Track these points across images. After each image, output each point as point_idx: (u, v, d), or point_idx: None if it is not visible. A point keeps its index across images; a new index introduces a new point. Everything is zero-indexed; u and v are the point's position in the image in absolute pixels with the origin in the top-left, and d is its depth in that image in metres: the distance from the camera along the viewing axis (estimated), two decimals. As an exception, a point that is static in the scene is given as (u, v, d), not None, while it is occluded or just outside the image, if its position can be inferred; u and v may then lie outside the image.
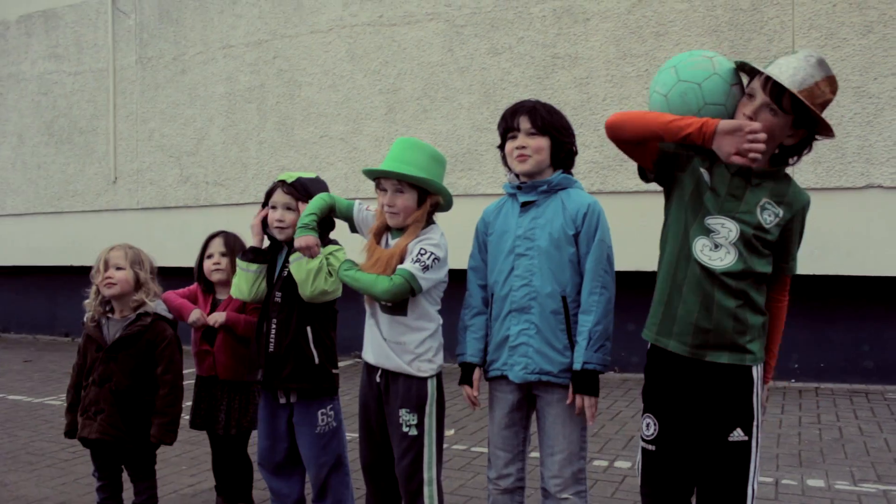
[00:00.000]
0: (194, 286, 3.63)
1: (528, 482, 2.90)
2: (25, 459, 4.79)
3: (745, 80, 2.34)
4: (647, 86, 7.27)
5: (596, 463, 4.51)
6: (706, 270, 2.27)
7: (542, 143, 2.69)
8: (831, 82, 2.19)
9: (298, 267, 3.07)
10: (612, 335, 2.66)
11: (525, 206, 2.75)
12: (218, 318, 3.45)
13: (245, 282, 3.28)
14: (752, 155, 2.09)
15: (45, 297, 11.05)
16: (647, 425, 2.45)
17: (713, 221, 2.27)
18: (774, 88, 2.16)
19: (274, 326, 3.22)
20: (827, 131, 2.25)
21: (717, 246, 2.27)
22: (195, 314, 3.48)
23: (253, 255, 3.28)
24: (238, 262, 3.31)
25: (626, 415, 5.79)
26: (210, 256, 3.56)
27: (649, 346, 2.50)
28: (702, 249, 2.28)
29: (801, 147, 2.29)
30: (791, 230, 2.32)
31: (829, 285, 6.75)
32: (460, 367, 2.86)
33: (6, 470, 4.57)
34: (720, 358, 2.30)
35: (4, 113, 11.17)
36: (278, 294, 3.24)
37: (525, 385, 2.73)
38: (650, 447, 2.43)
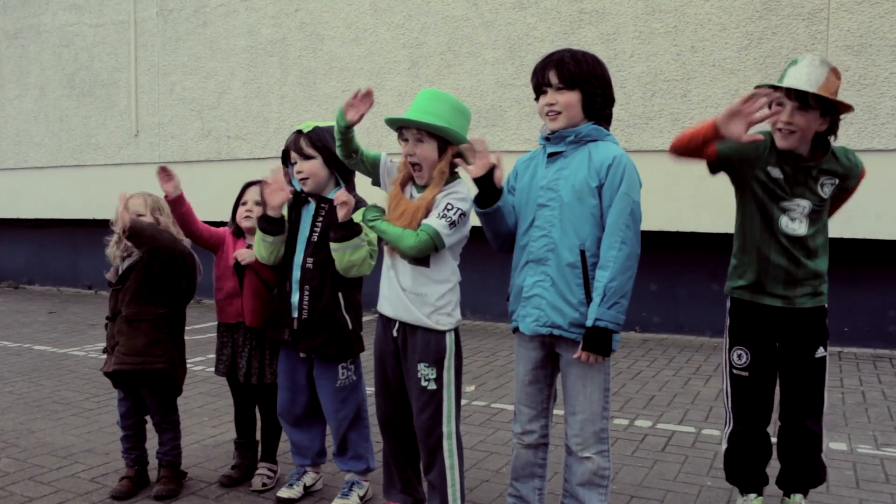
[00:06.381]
0: (222, 230, 3.60)
1: (553, 438, 2.89)
2: (51, 408, 4.86)
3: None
4: (675, 42, 7.13)
5: (617, 421, 4.51)
6: (790, 238, 2.83)
7: (572, 98, 2.60)
8: (836, 72, 2.73)
9: (341, 257, 3.05)
10: (629, 293, 2.57)
11: (552, 156, 2.69)
12: (246, 255, 3.42)
13: (265, 249, 3.26)
14: (778, 124, 2.74)
15: (69, 250, 11.16)
16: (739, 356, 2.98)
17: (789, 203, 2.83)
18: (799, 94, 2.69)
19: (307, 293, 3.20)
20: (846, 109, 2.76)
21: (793, 220, 2.83)
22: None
23: (267, 224, 3.22)
24: (257, 229, 3.27)
25: (646, 374, 5.77)
26: (244, 203, 3.53)
27: (732, 293, 3.01)
28: (785, 225, 2.83)
29: (832, 129, 2.82)
30: (847, 179, 2.88)
31: (855, 249, 6.64)
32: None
33: (33, 418, 4.64)
34: (806, 304, 2.90)
35: (26, 65, 11.17)
36: (310, 260, 3.20)
37: (548, 342, 2.70)
38: (744, 374, 2.98)
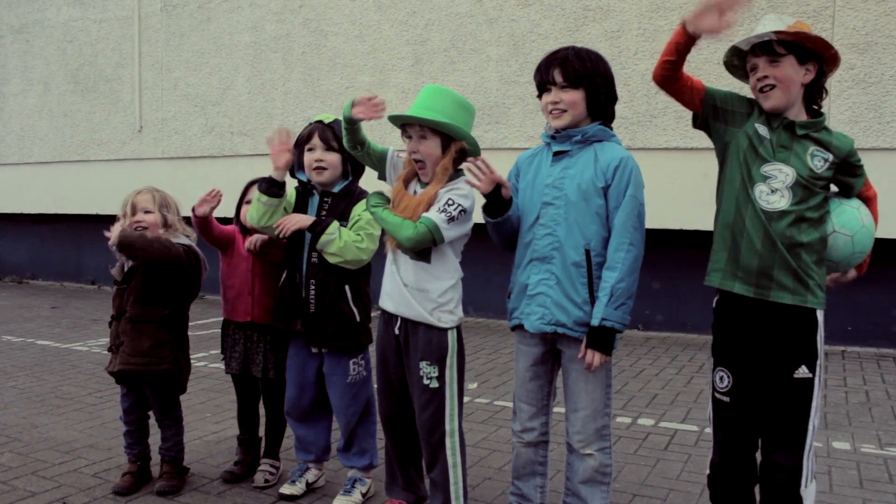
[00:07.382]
0: (231, 227, 3.61)
1: (555, 437, 2.88)
2: (54, 403, 4.87)
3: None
4: (680, 40, 7.10)
5: (619, 420, 4.51)
6: (766, 213, 2.48)
7: (577, 96, 2.60)
8: (801, 23, 2.50)
9: (326, 257, 3.10)
10: (634, 294, 2.59)
11: (558, 155, 2.68)
12: (257, 239, 3.41)
13: (256, 211, 3.18)
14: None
15: (72, 245, 11.17)
16: (721, 378, 2.64)
17: (770, 168, 2.51)
18: (765, 45, 2.48)
19: (313, 287, 3.20)
20: (828, 48, 2.49)
21: (773, 191, 2.49)
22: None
23: (268, 185, 3.16)
24: (255, 191, 3.21)
25: (649, 373, 5.77)
26: (248, 202, 3.52)
27: (715, 303, 2.68)
28: (760, 195, 2.50)
29: (819, 79, 2.56)
30: (844, 165, 2.54)
31: (860, 247, 6.61)
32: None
33: (35, 413, 4.65)
34: (783, 298, 2.48)
35: (31, 60, 11.18)
36: (314, 255, 3.21)
37: (549, 338, 2.70)
38: (725, 398, 2.62)
